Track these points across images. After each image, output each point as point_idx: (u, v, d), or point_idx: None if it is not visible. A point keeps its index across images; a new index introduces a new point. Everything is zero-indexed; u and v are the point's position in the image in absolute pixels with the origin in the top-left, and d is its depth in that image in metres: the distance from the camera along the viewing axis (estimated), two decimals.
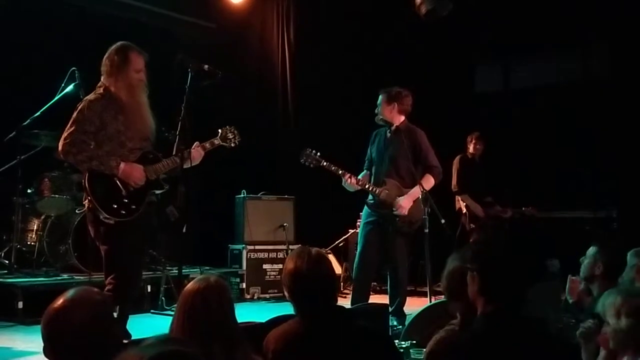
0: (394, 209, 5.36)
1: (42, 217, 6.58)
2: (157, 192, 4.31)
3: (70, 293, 1.97)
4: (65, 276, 6.17)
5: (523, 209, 7.30)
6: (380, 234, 5.47)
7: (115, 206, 4.10)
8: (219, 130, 4.58)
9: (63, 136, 4.11)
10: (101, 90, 4.21)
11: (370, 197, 5.53)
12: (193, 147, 4.38)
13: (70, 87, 5.92)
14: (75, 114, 4.13)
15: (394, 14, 7.99)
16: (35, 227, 6.58)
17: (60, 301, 1.95)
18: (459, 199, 7.34)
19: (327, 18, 8.75)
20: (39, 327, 5.61)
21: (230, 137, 4.60)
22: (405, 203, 5.34)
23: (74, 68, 5.93)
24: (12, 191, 6.31)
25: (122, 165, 4.12)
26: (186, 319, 2.22)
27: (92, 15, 7.47)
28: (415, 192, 5.32)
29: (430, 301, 4.90)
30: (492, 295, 2.32)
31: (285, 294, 2.62)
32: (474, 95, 8.87)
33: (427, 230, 5.14)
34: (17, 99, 6.58)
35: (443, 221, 5.04)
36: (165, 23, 8.19)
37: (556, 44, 8.08)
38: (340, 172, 5.39)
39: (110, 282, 4.11)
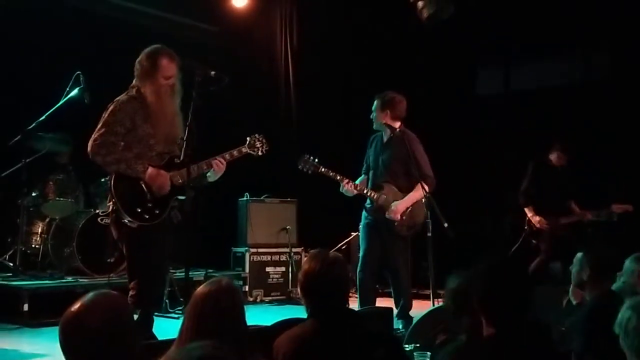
0: (388, 213, 5.39)
1: (47, 220, 6.61)
2: (181, 198, 4.24)
3: (86, 297, 1.98)
4: (69, 279, 6.20)
5: (613, 207, 6.74)
6: (380, 236, 5.51)
7: (139, 210, 4.08)
8: (247, 139, 4.59)
9: (93, 137, 4.08)
10: (133, 91, 4.20)
11: (368, 201, 5.57)
12: (213, 158, 4.35)
13: (75, 91, 5.97)
14: (106, 115, 4.11)
15: (396, 17, 8.03)
16: (39, 230, 6.61)
17: (76, 305, 1.95)
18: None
19: (329, 22, 8.79)
20: (44, 330, 5.63)
21: (258, 145, 4.61)
22: (399, 207, 5.36)
23: (78, 72, 5.97)
24: (17, 194, 6.34)
25: (149, 169, 4.10)
26: (196, 322, 2.24)
27: (96, 18, 7.50)
28: (412, 197, 5.35)
29: (433, 304, 4.92)
30: (490, 320, 2.38)
31: (299, 293, 2.68)
32: (475, 98, 8.90)
33: (430, 234, 5.18)
34: (22, 103, 6.62)
35: (446, 225, 5.07)
36: (168, 26, 8.22)
37: (557, 46, 8.10)
38: (338, 177, 5.41)
39: (134, 287, 4.11)
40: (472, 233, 7.31)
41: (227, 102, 7.73)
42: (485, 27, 8.12)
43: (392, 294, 5.59)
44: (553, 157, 7.06)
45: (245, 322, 2.35)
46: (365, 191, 5.49)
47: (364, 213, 5.64)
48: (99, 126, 4.10)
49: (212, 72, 4.27)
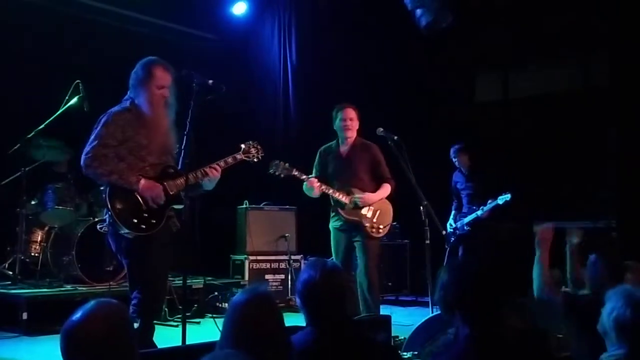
0: (360, 205, 5.48)
1: (46, 228, 6.61)
2: (177, 207, 4.26)
3: (88, 305, 1.97)
4: (68, 287, 6.18)
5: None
6: (349, 239, 5.58)
7: (135, 221, 4.05)
8: (242, 146, 4.60)
9: (85, 150, 4.07)
10: (127, 103, 4.20)
11: (339, 204, 5.59)
12: (208, 166, 4.34)
13: (74, 100, 6.00)
14: (98, 128, 4.10)
15: (395, 26, 8.05)
16: (39, 238, 6.60)
17: (78, 313, 1.95)
18: None
19: (328, 29, 8.82)
20: (43, 338, 5.61)
21: (253, 152, 4.62)
22: (369, 197, 5.49)
23: (78, 81, 6.00)
24: (16, 203, 6.35)
25: (142, 181, 4.08)
26: (235, 330, 2.22)
27: (95, 27, 7.53)
28: (380, 193, 5.54)
29: (432, 312, 4.93)
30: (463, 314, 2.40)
31: (298, 302, 2.68)
32: (474, 105, 8.91)
33: (428, 242, 5.20)
34: (22, 111, 6.64)
35: (444, 232, 5.08)
36: (167, 34, 8.26)
37: (555, 53, 8.12)
38: (303, 177, 5.54)
39: (135, 297, 4.10)
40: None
41: (225, 111, 7.75)
42: (484, 35, 8.14)
43: (360, 297, 5.50)
44: (460, 163, 7.45)
45: (283, 329, 2.31)
46: (331, 191, 5.56)
47: (333, 216, 5.67)
48: (90, 139, 4.09)
49: (210, 81, 4.29)
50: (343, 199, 5.53)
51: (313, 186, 5.49)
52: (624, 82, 7.52)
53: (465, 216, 7.33)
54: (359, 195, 5.51)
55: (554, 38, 7.82)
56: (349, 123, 5.63)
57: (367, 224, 5.49)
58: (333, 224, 5.70)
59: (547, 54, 8.15)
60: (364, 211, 5.53)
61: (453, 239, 7.36)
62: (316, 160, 5.82)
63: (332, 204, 5.66)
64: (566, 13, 7.57)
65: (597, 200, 7.12)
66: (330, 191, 5.55)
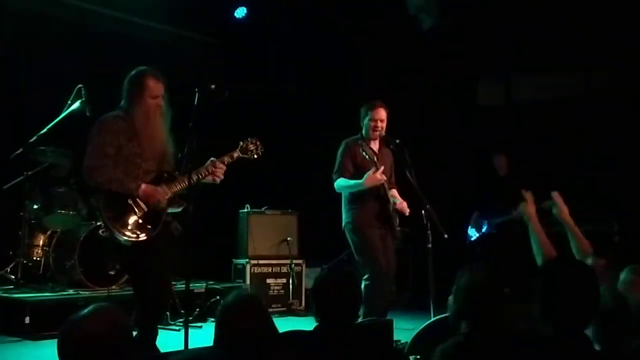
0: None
1: (48, 232, 6.61)
2: (174, 210, 4.25)
3: (87, 309, 2.02)
4: (71, 291, 6.16)
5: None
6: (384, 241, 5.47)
7: (130, 228, 4.05)
8: (240, 143, 4.55)
9: (85, 163, 4.06)
10: (120, 112, 4.18)
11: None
12: (207, 164, 4.31)
13: (76, 104, 6.00)
14: (92, 139, 4.09)
15: (398, 29, 8.07)
16: (41, 243, 6.61)
17: (76, 316, 1.99)
18: None
19: (331, 33, 8.84)
20: (46, 342, 5.62)
21: (252, 148, 4.57)
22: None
23: (80, 85, 6.00)
24: (18, 207, 6.36)
25: (143, 186, 4.07)
26: (224, 331, 2.28)
27: (97, 32, 7.55)
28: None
29: (434, 315, 4.93)
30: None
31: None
32: (477, 109, 8.93)
33: (430, 245, 5.19)
34: (24, 116, 6.65)
35: (446, 236, 5.09)
36: (168, 39, 8.27)
37: (558, 58, 8.14)
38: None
39: (139, 301, 4.13)
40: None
41: (227, 113, 7.75)
42: (487, 39, 8.15)
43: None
44: (497, 166, 7.32)
45: (267, 331, 2.34)
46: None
47: (363, 217, 5.41)
48: (88, 150, 4.07)
49: (213, 86, 4.29)
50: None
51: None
52: (625, 87, 7.55)
53: (491, 218, 7.16)
54: (403, 205, 5.47)
55: (557, 43, 7.83)
56: (379, 124, 5.42)
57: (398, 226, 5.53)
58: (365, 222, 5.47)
59: (549, 60, 8.17)
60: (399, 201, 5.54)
61: (473, 238, 7.25)
62: (346, 152, 5.48)
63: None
64: (569, 18, 7.58)
65: (598, 204, 7.13)
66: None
